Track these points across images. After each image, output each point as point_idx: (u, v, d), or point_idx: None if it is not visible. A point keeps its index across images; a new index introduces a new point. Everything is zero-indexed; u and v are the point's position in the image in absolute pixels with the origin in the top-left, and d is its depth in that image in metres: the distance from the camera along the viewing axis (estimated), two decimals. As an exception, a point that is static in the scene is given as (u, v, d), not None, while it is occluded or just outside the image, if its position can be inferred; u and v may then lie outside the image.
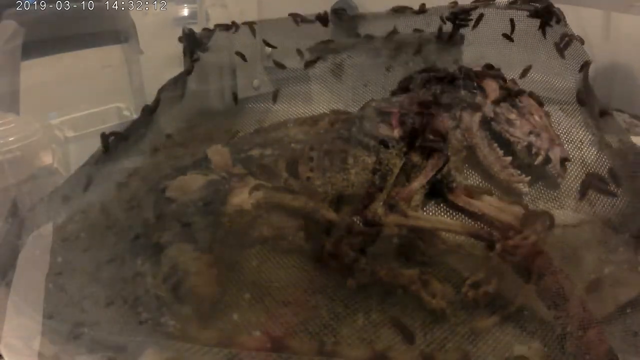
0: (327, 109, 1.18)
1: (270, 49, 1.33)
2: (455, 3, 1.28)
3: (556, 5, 1.18)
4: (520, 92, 1.07)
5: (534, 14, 1.19)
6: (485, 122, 1.03)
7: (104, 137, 1.06)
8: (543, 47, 1.18)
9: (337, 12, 1.33)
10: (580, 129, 1.07)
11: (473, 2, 1.25)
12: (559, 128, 1.05)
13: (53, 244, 0.83)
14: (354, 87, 1.26)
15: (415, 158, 0.93)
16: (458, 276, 0.79)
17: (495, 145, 1.00)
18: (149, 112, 1.15)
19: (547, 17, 1.17)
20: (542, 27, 1.18)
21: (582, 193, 0.93)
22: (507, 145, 1.00)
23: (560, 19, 1.17)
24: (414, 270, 0.77)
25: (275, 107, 1.28)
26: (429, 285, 0.75)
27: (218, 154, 0.98)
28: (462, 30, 1.26)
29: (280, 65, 1.31)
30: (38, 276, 0.77)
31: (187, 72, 1.25)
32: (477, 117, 1.03)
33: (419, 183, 0.89)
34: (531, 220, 0.82)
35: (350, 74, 1.28)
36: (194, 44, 1.28)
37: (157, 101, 1.16)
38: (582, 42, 1.13)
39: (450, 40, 1.27)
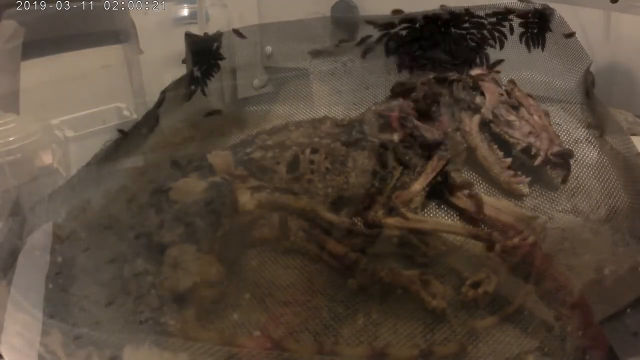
0: (329, 111, 1.18)
1: (270, 48, 1.33)
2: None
3: (557, 5, 1.18)
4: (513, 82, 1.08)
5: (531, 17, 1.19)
6: (485, 124, 1.03)
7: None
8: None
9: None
10: (581, 129, 1.07)
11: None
12: (559, 128, 1.05)
13: (53, 244, 0.83)
14: (355, 90, 1.26)
15: (415, 160, 0.93)
16: (458, 276, 0.79)
17: (495, 146, 1.01)
18: (151, 112, 1.15)
19: (542, 21, 1.18)
20: (541, 31, 1.19)
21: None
22: (506, 147, 1.00)
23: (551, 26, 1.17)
24: (414, 270, 0.77)
25: (276, 108, 1.28)
26: (429, 285, 0.75)
27: (219, 157, 0.98)
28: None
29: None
30: (38, 276, 0.77)
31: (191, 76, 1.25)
32: (477, 118, 1.03)
33: (419, 185, 0.90)
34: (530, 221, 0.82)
35: (351, 76, 1.28)
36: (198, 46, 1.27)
37: (159, 102, 1.16)
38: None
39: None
